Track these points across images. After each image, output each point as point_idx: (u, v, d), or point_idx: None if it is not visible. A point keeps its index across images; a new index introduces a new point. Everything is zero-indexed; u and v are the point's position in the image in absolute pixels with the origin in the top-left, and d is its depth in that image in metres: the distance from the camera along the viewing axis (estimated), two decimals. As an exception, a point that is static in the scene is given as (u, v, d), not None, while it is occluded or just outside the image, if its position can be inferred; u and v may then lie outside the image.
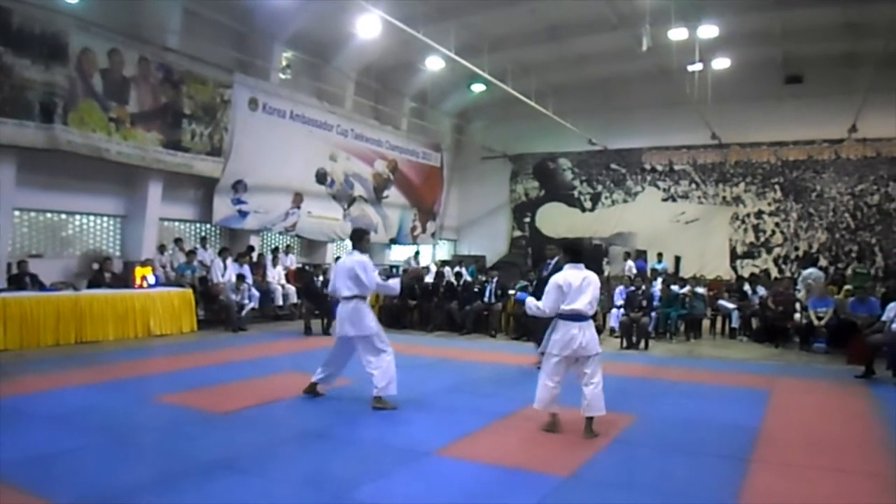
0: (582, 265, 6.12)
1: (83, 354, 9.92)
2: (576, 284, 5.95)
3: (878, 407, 7.46)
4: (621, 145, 23.22)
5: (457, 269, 19.24)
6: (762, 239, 21.75)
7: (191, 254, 14.34)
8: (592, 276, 6.11)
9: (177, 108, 14.04)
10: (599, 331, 12.95)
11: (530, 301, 6.32)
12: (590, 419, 5.95)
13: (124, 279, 12.83)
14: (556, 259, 9.04)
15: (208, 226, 16.03)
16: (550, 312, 6.00)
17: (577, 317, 5.91)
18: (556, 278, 6.03)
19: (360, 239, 7.40)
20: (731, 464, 5.25)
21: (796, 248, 21.29)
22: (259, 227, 16.64)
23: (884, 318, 9.58)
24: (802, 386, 8.90)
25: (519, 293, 7.43)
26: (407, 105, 21.82)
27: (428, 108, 22.79)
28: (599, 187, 24.09)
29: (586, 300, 5.95)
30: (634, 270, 18.55)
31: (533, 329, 9.66)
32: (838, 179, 20.76)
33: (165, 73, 13.73)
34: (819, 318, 11.79)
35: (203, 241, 15.51)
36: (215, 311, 13.77)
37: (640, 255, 21.87)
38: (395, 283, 7.39)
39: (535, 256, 21.82)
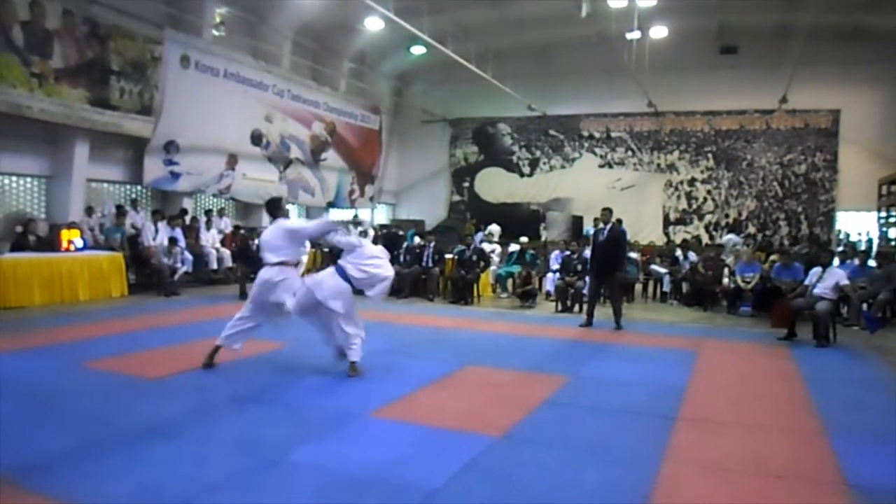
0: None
1: (7, 320, 9.54)
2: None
3: (798, 367, 7.78)
4: (560, 111, 23.42)
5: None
6: (694, 206, 22.35)
7: (120, 216, 13.87)
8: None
9: (104, 64, 13.49)
10: (534, 294, 13.35)
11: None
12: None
13: (50, 242, 12.33)
14: (610, 224, 10.17)
15: (139, 187, 15.56)
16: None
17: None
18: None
19: (277, 207, 7.08)
20: (658, 422, 5.43)
21: (727, 216, 21.96)
22: (192, 189, 16.23)
23: (806, 282, 9.96)
24: (728, 347, 9.24)
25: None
26: (345, 66, 21.44)
27: (367, 69, 22.46)
28: (538, 153, 24.27)
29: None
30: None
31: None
32: (768, 149, 21.45)
33: (91, 26, 13.15)
34: (746, 283, 12.20)
35: (134, 202, 15.03)
36: (147, 276, 13.43)
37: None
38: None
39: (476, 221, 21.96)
